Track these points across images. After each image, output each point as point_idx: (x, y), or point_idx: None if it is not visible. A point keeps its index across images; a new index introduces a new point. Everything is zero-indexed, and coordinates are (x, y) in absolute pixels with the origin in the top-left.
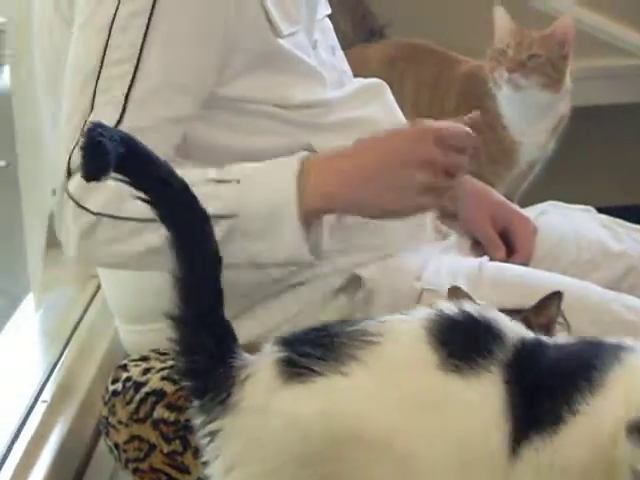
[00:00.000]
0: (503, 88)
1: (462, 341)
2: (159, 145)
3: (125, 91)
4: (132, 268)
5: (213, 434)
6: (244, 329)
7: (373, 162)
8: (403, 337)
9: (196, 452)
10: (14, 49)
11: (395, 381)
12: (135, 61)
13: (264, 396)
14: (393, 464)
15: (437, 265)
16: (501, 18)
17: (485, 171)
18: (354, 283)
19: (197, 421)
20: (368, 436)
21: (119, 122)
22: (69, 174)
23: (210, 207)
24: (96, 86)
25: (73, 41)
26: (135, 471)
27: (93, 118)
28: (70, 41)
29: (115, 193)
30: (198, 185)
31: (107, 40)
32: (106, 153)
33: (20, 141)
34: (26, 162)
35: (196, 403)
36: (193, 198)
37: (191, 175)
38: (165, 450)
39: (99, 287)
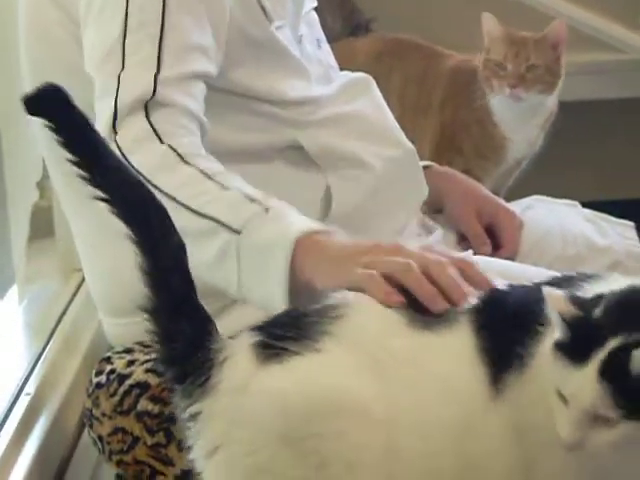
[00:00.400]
0: (500, 97)
1: None
2: (197, 97)
3: (157, 47)
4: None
5: (194, 417)
6: (228, 324)
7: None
8: (369, 304)
9: (180, 444)
10: None
11: (367, 348)
12: (160, 22)
13: (242, 377)
14: (374, 430)
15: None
16: (490, 25)
17: (473, 166)
18: None
19: (180, 406)
20: (346, 407)
21: (158, 73)
22: (114, 125)
23: (221, 212)
24: (124, 49)
25: (90, 26)
26: (119, 463)
27: (126, 75)
28: (72, 33)
29: (159, 160)
30: (232, 189)
31: (127, 6)
32: (58, 98)
33: (4, 133)
34: (10, 154)
35: (178, 389)
36: (148, 192)
37: (235, 181)
38: (149, 442)
39: (83, 280)
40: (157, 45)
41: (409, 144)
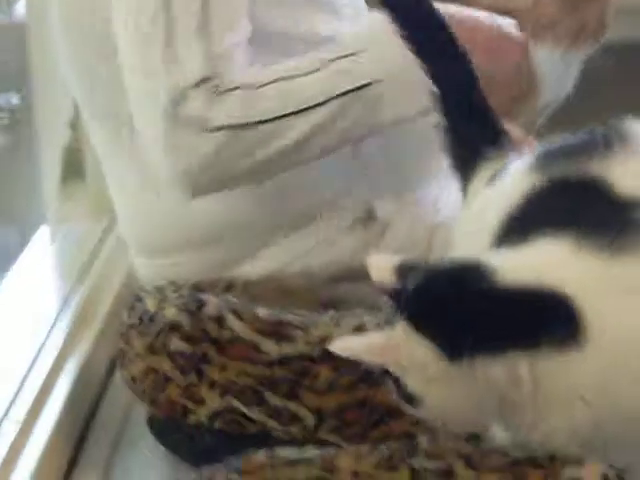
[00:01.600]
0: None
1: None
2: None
3: (201, 21)
4: (263, 176)
5: None
6: (260, 265)
7: None
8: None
9: (211, 384)
10: None
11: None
12: None
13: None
14: None
15: (454, 196)
16: None
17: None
18: (369, 217)
19: None
20: None
21: (211, 47)
22: (176, 106)
23: (348, 84)
24: (169, 20)
25: None
26: (151, 403)
27: (173, 50)
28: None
29: (243, 101)
30: (320, 70)
31: None
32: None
33: (35, 75)
34: (41, 95)
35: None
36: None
37: (303, 64)
38: (180, 382)
39: (115, 220)
40: (204, 17)
41: None
